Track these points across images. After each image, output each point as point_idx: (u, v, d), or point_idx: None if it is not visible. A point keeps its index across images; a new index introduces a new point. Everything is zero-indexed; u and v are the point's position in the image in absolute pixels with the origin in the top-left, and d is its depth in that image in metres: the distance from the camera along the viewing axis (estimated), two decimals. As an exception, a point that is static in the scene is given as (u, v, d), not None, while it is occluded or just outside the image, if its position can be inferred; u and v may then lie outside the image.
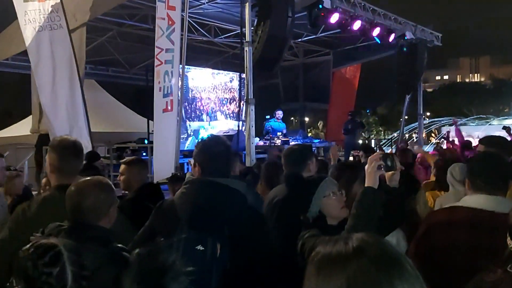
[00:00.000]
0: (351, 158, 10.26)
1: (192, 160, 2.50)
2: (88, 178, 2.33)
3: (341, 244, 0.96)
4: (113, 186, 2.34)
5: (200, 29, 11.73)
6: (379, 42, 11.04)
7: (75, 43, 7.82)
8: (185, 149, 10.16)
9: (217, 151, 2.36)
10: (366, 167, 2.12)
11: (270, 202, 2.92)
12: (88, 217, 2.16)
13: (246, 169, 5.29)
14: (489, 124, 26.97)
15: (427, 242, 2.22)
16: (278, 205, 2.82)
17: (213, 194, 2.24)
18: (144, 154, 10.18)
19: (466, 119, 31.88)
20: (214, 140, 2.47)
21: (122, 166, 3.80)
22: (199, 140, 2.69)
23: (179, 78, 6.99)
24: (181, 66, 6.92)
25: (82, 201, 2.18)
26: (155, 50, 6.61)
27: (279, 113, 11.85)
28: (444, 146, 11.44)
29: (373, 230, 1.96)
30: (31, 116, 11.55)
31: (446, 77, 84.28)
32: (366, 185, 2.10)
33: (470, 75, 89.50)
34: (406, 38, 11.38)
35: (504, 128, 7.22)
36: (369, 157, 2.15)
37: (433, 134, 34.55)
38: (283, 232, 2.54)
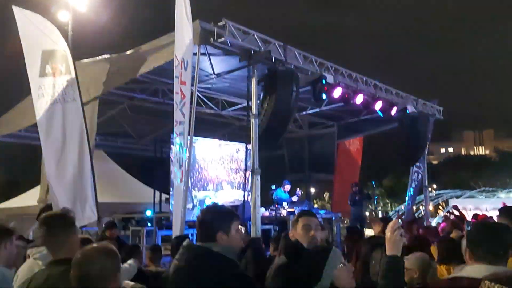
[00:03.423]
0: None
1: None
2: (94, 245, 2.36)
3: None
4: (118, 252, 2.36)
5: (208, 102, 12.10)
6: (382, 115, 11.27)
7: (87, 116, 8.07)
8: (191, 219, 10.13)
9: (201, 218, 2.47)
10: (387, 235, 2.10)
11: (274, 272, 2.87)
12: (96, 285, 2.16)
13: (249, 241, 5.24)
14: (497, 197, 26.72)
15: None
16: (281, 276, 2.75)
17: (192, 258, 2.31)
18: (149, 224, 10.15)
19: (473, 192, 31.61)
20: (204, 208, 2.60)
21: None
22: None
23: (187, 149, 7.16)
24: (189, 137, 7.12)
25: (89, 269, 2.19)
26: (174, 123, 6.91)
27: (287, 187, 11.96)
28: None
29: None
30: (37, 187, 11.68)
31: (450, 149, 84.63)
32: (390, 253, 2.07)
33: (475, 147, 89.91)
34: (408, 111, 11.62)
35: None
36: (390, 225, 2.13)
37: (440, 207, 34.14)
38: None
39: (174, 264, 2.41)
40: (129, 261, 2.73)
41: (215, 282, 2.20)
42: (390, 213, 28.68)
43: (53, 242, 2.64)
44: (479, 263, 2.15)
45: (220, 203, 11.77)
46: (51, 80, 7.83)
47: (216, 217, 2.45)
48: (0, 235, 3.09)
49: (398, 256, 2.06)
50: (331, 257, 2.39)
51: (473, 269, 2.17)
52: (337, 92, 9.54)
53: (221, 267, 2.25)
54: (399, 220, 2.16)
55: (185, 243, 2.46)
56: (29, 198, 12.96)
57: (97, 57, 9.05)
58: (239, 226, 2.51)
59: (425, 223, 12.04)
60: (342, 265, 2.38)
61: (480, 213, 15.00)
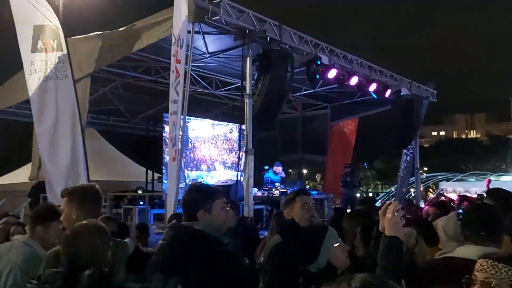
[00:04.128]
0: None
1: None
2: (84, 222, 2.34)
3: (345, 285, 1.01)
4: (108, 230, 2.35)
5: (201, 81, 12.01)
6: (376, 97, 11.26)
7: (79, 93, 7.97)
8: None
9: (183, 197, 2.48)
10: (388, 216, 2.08)
11: (269, 252, 2.89)
12: (85, 263, 2.15)
13: (239, 220, 5.23)
14: (486, 180, 27.02)
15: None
16: (278, 255, 2.78)
17: (174, 236, 2.31)
18: (141, 203, 10.14)
19: (464, 175, 31.95)
20: (187, 187, 2.60)
21: None
22: None
23: (180, 129, 7.13)
24: (182, 116, 7.07)
25: (79, 246, 2.17)
26: (169, 101, 6.87)
27: (278, 168, 11.93)
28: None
29: (400, 279, 1.97)
30: (28, 164, 11.59)
31: (442, 133, 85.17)
32: (390, 234, 2.06)
33: (466, 131, 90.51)
34: (401, 94, 11.62)
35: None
36: (390, 206, 2.11)
37: (430, 190, 34.50)
38: (281, 283, 2.53)
39: (159, 243, 2.43)
40: (126, 239, 2.74)
41: (196, 258, 2.21)
42: (381, 195, 28.92)
43: (83, 214, 2.70)
44: (469, 244, 2.20)
45: (212, 182, 11.84)
46: (43, 56, 7.70)
47: (197, 196, 2.44)
48: (43, 216, 3.06)
49: (398, 237, 2.05)
50: (328, 236, 2.40)
51: (463, 249, 2.21)
52: (332, 73, 9.50)
53: (202, 244, 2.25)
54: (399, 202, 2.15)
55: (171, 223, 2.47)
56: (20, 175, 12.89)
57: (89, 33, 8.90)
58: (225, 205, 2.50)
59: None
60: (338, 244, 2.40)
61: (469, 195, 15.21)
